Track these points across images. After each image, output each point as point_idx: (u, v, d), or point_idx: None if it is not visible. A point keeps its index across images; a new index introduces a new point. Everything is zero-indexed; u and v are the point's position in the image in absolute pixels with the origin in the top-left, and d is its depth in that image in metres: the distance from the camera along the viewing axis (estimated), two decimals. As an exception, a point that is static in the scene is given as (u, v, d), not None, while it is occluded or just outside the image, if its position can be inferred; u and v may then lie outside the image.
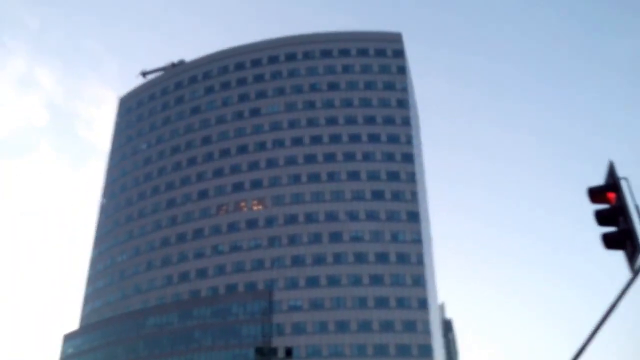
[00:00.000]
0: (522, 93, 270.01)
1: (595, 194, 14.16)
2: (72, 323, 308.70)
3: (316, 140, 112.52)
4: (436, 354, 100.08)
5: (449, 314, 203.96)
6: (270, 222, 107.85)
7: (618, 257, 13.80)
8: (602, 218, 13.96)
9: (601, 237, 13.72)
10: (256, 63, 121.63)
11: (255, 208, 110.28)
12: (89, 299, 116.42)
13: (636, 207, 13.67)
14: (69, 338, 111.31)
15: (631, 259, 13.19)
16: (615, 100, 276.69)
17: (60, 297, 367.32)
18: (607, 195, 14.01)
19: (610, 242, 13.70)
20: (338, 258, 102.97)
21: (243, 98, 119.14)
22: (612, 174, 14.15)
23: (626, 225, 13.41)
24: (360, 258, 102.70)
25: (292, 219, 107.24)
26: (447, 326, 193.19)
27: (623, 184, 13.92)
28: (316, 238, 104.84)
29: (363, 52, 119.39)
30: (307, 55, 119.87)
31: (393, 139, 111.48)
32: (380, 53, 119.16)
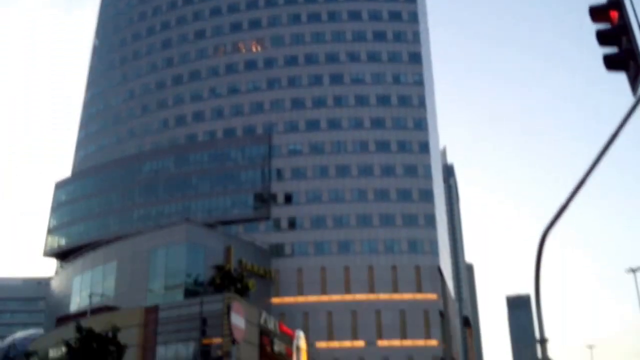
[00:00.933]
0: None
1: (596, 12, 13.12)
2: (65, 170, 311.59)
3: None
4: (437, 199, 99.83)
5: (450, 159, 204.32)
6: (269, 63, 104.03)
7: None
8: (603, 38, 12.99)
9: (603, 58, 12.81)
10: None
11: (253, 49, 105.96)
12: (81, 144, 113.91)
13: (640, 26, 12.65)
14: (61, 185, 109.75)
15: (634, 81, 12.41)
16: None
17: (52, 143, 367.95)
18: (609, 14, 13.02)
19: (612, 63, 12.81)
20: (339, 101, 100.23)
21: None
22: (614, -9, 12.93)
23: (629, 46, 12.57)
24: (361, 100, 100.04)
25: (291, 60, 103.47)
26: (449, 171, 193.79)
27: (627, 1, 12.99)
28: (316, 80, 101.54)
29: None
30: None
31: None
32: None
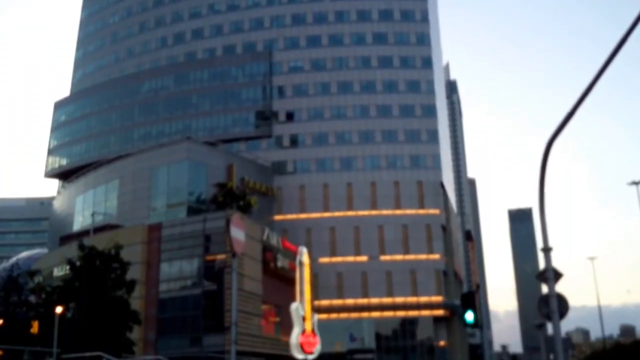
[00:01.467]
0: None
1: None
2: (63, 90, 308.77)
3: None
4: (440, 115, 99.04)
5: (453, 75, 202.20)
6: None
7: None
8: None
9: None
10: None
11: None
12: (79, 63, 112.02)
13: None
14: (60, 105, 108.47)
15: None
16: None
17: (50, 63, 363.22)
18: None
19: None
20: (340, 16, 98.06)
21: None
22: None
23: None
24: (363, 16, 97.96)
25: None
26: (451, 87, 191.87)
27: None
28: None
29: None
30: None
31: None
32: None
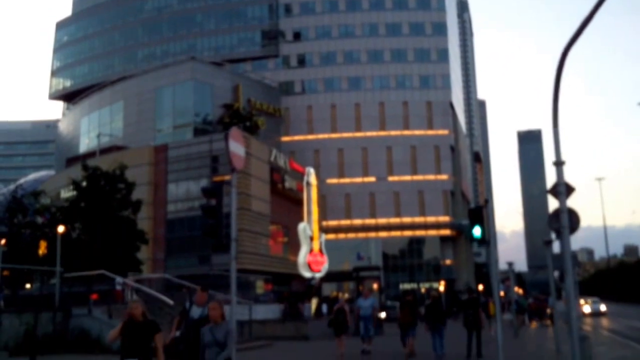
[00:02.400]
0: None
1: None
2: (65, 9, 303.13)
3: None
4: (450, 33, 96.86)
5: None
6: None
7: None
8: None
9: None
10: None
11: None
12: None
13: None
14: (61, 26, 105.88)
15: None
16: None
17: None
18: None
19: None
20: None
21: None
22: None
23: None
24: None
25: None
26: (463, 5, 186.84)
27: None
28: None
29: None
30: None
31: None
32: None
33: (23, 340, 21.52)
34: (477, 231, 13.00)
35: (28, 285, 34.09)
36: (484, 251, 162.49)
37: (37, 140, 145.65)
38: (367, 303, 20.47)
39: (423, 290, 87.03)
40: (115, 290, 27.44)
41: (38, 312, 22.85)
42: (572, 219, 12.17)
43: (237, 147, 12.59)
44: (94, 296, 25.07)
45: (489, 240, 13.17)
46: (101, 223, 37.27)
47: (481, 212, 13.14)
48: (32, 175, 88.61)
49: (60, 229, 31.91)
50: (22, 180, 67.30)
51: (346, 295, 60.34)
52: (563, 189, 11.65)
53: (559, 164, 11.69)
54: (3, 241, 36.25)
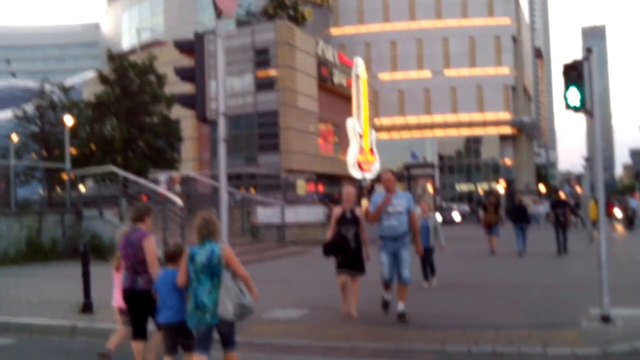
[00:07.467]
0: None
1: None
2: None
3: None
4: None
5: None
6: None
7: None
8: None
9: None
10: None
11: None
12: None
13: None
14: None
15: None
16: None
17: None
18: None
19: None
20: None
21: None
22: None
23: None
24: None
25: None
26: None
27: None
28: None
29: None
30: None
31: None
32: None
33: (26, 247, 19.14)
34: (573, 95, 9.09)
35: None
36: (544, 152, 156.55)
37: (87, 42, 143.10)
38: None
39: (481, 191, 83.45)
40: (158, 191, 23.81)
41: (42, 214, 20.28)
42: None
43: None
44: (145, 197, 21.49)
45: (591, 109, 9.27)
46: (131, 117, 34.49)
47: (581, 68, 9.18)
48: (79, 77, 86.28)
49: (69, 122, 29.07)
50: (68, 81, 64.93)
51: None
52: None
53: None
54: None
